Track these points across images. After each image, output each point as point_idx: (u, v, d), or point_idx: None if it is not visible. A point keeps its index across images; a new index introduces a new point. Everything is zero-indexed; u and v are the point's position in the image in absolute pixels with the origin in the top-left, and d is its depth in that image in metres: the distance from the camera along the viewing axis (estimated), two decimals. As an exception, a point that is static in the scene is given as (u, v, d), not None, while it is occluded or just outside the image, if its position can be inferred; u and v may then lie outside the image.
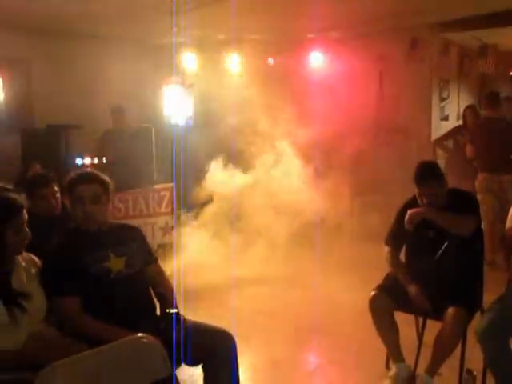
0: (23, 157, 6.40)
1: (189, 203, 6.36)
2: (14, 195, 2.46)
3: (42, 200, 3.56)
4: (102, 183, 2.74)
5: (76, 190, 2.68)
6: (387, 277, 3.42)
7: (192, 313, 2.85)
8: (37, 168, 5.53)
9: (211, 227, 5.92)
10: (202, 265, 5.45)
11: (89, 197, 2.66)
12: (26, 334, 2.30)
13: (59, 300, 2.48)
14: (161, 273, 2.92)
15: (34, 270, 2.51)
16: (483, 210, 3.36)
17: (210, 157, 6.25)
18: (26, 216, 2.41)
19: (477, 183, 5.72)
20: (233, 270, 5.29)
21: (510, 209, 3.34)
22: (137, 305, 2.63)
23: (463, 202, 3.25)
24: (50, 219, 3.43)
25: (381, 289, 3.31)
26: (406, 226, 3.24)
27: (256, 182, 6.05)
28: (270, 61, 7.86)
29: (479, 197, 5.21)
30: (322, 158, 6.39)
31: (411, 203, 3.35)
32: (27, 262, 2.50)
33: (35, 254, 2.58)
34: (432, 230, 3.25)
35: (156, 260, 2.93)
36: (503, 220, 5.09)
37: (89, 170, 3.33)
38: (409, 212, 3.25)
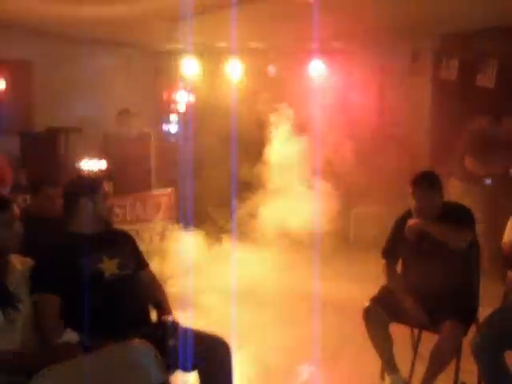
0: (22, 160, 6.39)
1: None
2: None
3: (47, 200, 3.60)
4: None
5: (102, 188, 2.77)
6: (383, 289, 3.42)
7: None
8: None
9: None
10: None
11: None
12: (20, 337, 2.31)
13: (41, 297, 2.47)
14: (154, 278, 2.94)
15: (28, 273, 2.51)
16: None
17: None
18: (17, 211, 2.47)
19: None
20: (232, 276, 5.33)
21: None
22: (131, 307, 2.63)
23: (458, 215, 3.26)
24: (49, 221, 3.43)
25: (375, 300, 3.30)
26: (408, 236, 3.26)
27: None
28: (271, 69, 7.89)
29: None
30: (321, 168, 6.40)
31: (407, 216, 3.36)
32: (23, 265, 2.51)
33: (32, 255, 2.59)
34: (427, 242, 3.26)
35: (148, 265, 2.94)
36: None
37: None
38: (409, 221, 3.27)
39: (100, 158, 6.40)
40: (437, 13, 5.67)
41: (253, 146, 6.47)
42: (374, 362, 3.43)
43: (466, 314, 3.15)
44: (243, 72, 7.64)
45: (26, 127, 6.87)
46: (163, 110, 8.28)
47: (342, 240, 6.69)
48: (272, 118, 6.40)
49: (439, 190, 3.32)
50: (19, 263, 2.50)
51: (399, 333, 3.42)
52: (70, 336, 2.35)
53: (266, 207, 6.11)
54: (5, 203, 2.44)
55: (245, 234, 6.08)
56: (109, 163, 6.33)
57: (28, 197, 3.98)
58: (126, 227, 4.78)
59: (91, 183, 2.80)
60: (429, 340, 3.20)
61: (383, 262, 3.46)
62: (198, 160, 6.70)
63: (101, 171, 5.90)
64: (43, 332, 2.41)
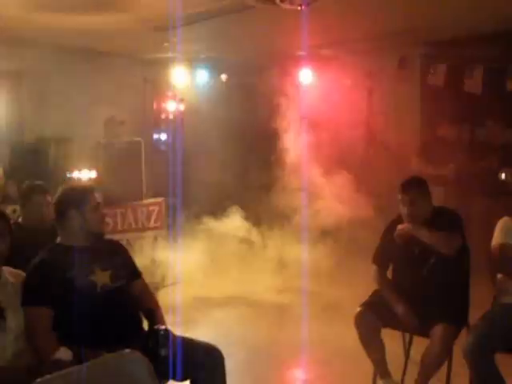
0: (12, 170, 6.37)
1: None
2: None
3: (37, 207, 3.56)
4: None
5: (93, 198, 2.74)
6: (374, 293, 3.44)
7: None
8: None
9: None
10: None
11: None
12: (12, 349, 2.30)
13: (33, 310, 2.46)
14: (146, 288, 2.92)
15: (21, 286, 2.50)
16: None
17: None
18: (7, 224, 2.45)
19: None
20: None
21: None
22: (124, 318, 2.63)
23: (448, 220, 3.28)
24: (39, 230, 3.41)
25: (367, 305, 3.32)
26: (397, 240, 3.28)
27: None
28: (258, 77, 7.93)
29: None
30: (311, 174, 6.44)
31: (397, 221, 3.38)
32: (15, 278, 2.50)
33: (23, 266, 2.58)
34: (417, 247, 3.29)
35: (140, 275, 2.92)
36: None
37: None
38: (398, 227, 3.29)
39: (90, 167, 6.39)
40: (424, 20, 5.73)
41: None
42: (366, 367, 3.44)
43: (457, 317, 3.16)
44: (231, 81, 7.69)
45: (16, 137, 6.86)
46: (154, 119, 8.31)
47: (334, 244, 6.72)
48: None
49: (427, 194, 3.35)
50: (12, 276, 2.49)
51: (391, 337, 3.44)
52: (64, 354, 2.34)
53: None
54: None
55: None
56: (99, 173, 6.31)
57: (18, 207, 3.95)
58: (117, 237, 4.79)
59: (79, 195, 2.74)
60: (420, 344, 3.22)
61: (374, 267, 3.48)
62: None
63: (91, 181, 5.89)
64: (35, 346, 2.40)
